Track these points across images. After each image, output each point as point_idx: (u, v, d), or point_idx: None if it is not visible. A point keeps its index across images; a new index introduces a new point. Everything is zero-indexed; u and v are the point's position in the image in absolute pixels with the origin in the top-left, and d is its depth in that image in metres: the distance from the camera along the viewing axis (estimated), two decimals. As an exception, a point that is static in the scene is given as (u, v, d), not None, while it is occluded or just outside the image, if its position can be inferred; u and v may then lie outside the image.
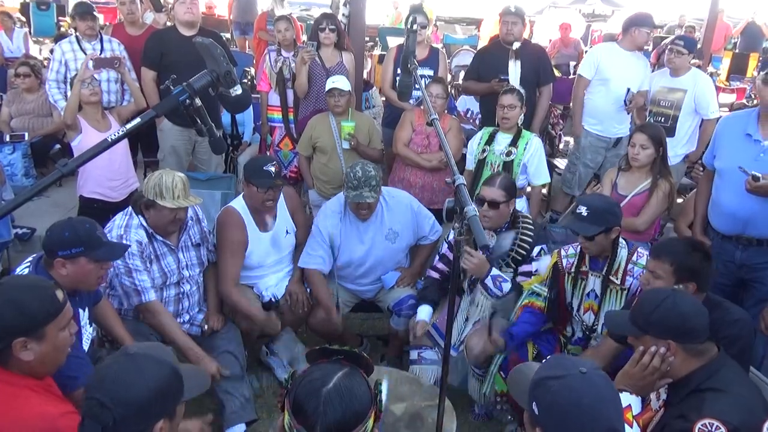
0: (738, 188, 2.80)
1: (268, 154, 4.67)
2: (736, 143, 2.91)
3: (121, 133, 1.70)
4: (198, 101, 1.75)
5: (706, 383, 1.74)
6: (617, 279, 2.62)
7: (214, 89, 1.80)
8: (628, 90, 4.34)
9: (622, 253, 2.63)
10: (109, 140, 1.68)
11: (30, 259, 2.25)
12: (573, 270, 2.75)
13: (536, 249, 2.95)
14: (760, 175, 2.68)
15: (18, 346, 1.62)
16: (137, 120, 1.73)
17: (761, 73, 3.14)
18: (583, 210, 2.57)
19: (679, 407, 1.78)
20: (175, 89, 1.73)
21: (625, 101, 4.37)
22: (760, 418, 1.66)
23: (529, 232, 2.95)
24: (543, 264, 2.92)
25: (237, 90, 1.80)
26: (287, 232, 3.30)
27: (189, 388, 1.50)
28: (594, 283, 2.69)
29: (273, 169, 3.02)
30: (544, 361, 1.51)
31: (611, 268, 2.63)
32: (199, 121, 1.81)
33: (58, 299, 1.71)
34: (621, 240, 2.66)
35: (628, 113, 4.47)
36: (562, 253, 2.82)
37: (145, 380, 1.38)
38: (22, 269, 2.20)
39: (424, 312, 3.01)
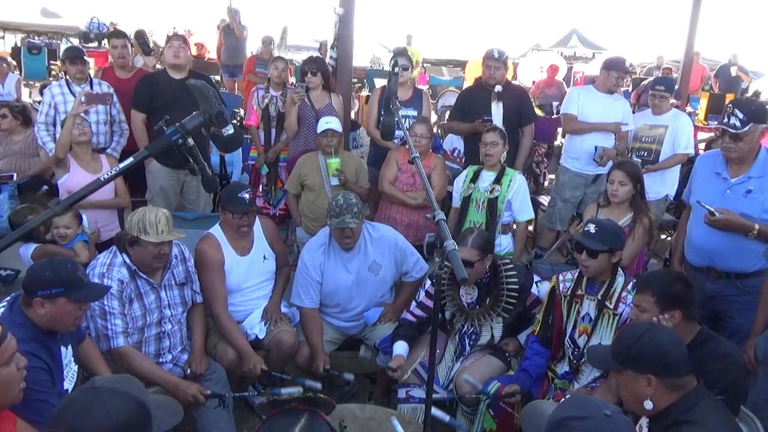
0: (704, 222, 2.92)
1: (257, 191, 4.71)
2: (708, 180, 3.06)
3: (113, 172, 1.73)
4: (191, 141, 1.79)
5: (684, 416, 1.74)
6: (611, 304, 2.71)
7: (206, 129, 1.84)
8: (596, 147, 4.44)
9: (620, 280, 2.75)
10: (102, 179, 1.70)
11: (7, 299, 2.22)
12: (569, 293, 2.83)
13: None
14: (714, 209, 2.83)
15: None
16: (130, 159, 1.76)
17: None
18: (591, 227, 2.74)
19: None
20: (168, 129, 1.77)
21: (594, 159, 4.46)
22: None
23: (514, 279, 2.96)
24: (543, 290, 3.01)
25: (229, 129, 1.86)
26: (265, 257, 3.36)
27: (161, 421, 1.47)
28: (589, 306, 2.79)
29: (247, 196, 3.14)
30: (563, 400, 1.50)
31: (607, 293, 2.73)
32: (191, 161, 1.84)
33: None
34: (619, 268, 2.77)
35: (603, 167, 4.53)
36: (560, 278, 2.91)
37: (107, 414, 1.34)
38: None
39: (401, 347, 3.00)
